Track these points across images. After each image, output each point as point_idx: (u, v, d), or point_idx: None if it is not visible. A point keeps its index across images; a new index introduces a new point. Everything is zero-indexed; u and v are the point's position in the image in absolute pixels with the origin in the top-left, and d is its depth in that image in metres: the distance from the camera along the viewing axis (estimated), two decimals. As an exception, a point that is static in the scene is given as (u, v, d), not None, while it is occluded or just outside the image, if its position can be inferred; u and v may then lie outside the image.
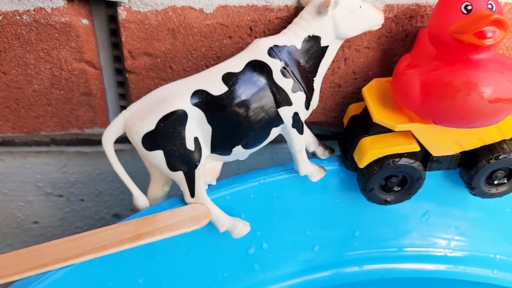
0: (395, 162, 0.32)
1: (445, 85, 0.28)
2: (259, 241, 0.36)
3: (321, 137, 0.40)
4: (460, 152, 0.34)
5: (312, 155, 0.36)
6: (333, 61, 0.35)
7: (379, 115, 0.32)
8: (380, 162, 0.32)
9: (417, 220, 0.38)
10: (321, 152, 0.36)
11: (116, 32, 0.34)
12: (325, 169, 0.34)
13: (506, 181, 0.34)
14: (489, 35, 0.27)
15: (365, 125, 0.34)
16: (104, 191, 0.45)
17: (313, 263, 0.38)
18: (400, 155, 0.32)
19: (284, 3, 0.33)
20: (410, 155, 0.33)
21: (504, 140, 0.33)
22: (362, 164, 0.33)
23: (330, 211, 0.37)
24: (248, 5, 0.33)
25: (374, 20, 0.31)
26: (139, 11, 0.32)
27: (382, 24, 0.33)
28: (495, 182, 0.35)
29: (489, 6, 0.27)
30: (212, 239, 0.34)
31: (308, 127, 0.39)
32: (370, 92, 0.34)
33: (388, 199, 0.35)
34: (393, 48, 0.35)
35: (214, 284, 0.36)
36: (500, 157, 0.32)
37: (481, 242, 0.39)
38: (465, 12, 0.27)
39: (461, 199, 0.37)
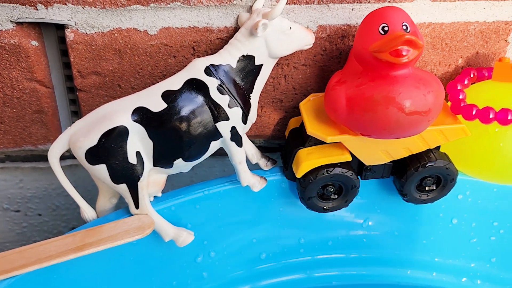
0: (329, 172, 0.34)
1: (367, 100, 0.30)
2: (206, 250, 0.38)
3: (268, 149, 0.43)
4: (392, 161, 0.36)
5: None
6: (273, 78, 0.38)
7: (312, 128, 0.34)
8: (315, 172, 0.35)
9: (359, 226, 0.40)
10: (263, 163, 0.38)
11: (67, 52, 0.36)
12: (266, 180, 0.36)
13: (435, 188, 0.37)
14: (404, 53, 0.29)
15: (302, 138, 0.36)
16: (61, 205, 0.46)
17: (261, 270, 0.40)
18: (334, 165, 0.35)
19: (223, 25, 0.35)
20: (343, 165, 0.35)
21: (430, 150, 0.35)
22: (299, 174, 0.35)
23: (274, 219, 0.39)
24: (189, 26, 0.35)
25: (304, 40, 0.33)
26: (86, 33, 0.34)
27: (316, 43, 0.36)
28: (426, 188, 0.37)
29: (404, 27, 0.30)
30: (160, 248, 0.36)
31: (255, 140, 0.42)
32: (307, 106, 0.36)
33: (326, 207, 0.37)
34: (328, 65, 0.38)
35: (163, 292, 0.38)
36: (427, 165, 0.35)
37: (421, 245, 0.41)
38: (382, 32, 0.30)
39: (399, 206, 0.40)
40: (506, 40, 0.38)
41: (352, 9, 0.35)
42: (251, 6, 0.34)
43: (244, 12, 0.34)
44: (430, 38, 0.37)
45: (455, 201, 0.38)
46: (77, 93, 0.37)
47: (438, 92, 0.31)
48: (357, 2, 0.35)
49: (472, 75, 0.38)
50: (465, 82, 0.37)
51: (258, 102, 0.39)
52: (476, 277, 0.41)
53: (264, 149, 0.43)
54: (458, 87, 0.36)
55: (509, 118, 0.33)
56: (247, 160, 0.36)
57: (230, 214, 0.37)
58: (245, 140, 0.37)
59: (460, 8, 0.36)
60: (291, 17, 0.35)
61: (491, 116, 0.33)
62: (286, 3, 0.34)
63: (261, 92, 0.38)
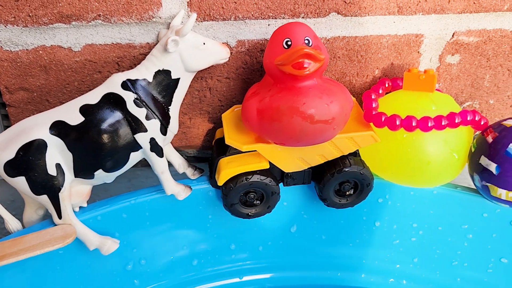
0: (248, 179, 0.36)
1: (274, 110, 0.32)
2: (136, 258, 0.39)
3: (200, 160, 0.44)
4: (311, 168, 0.38)
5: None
6: (199, 91, 0.39)
7: (230, 138, 0.35)
8: (235, 179, 0.36)
9: (288, 231, 0.42)
10: (190, 173, 0.39)
11: (-4, 69, 0.37)
12: (191, 188, 0.38)
13: (353, 193, 0.39)
14: (305, 66, 0.31)
15: (224, 147, 0.38)
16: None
17: (194, 276, 0.41)
18: (253, 173, 0.36)
19: (145, 41, 0.36)
20: (262, 172, 0.36)
21: (346, 156, 0.37)
22: (219, 182, 0.36)
23: (204, 226, 0.40)
24: (112, 43, 0.36)
25: (219, 54, 0.35)
26: (11, 51, 0.35)
27: (237, 57, 0.37)
28: (347, 193, 0.39)
29: (306, 41, 0.32)
30: (89, 257, 0.37)
31: (187, 151, 0.43)
32: (229, 117, 0.38)
33: (250, 213, 0.38)
34: (251, 77, 0.39)
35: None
36: (342, 171, 0.37)
37: (348, 248, 0.43)
38: (286, 47, 0.32)
39: (324, 211, 0.41)
40: (418, 52, 0.40)
41: (269, 25, 0.37)
42: (170, 23, 0.36)
43: (164, 29, 0.36)
44: (346, 51, 0.39)
45: (376, 205, 0.40)
46: (7, 109, 0.38)
47: (343, 102, 0.33)
48: (273, 18, 0.37)
49: (387, 85, 0.40)
50: (380, 92, 0.40)
51: (186, 114, 0.40)
52: (401, 277, 0.43)
53: (196, 159, 0.44)
54: (372, 97, 0.38)
55: (413, 124, 0.35)
56: (174, 170, 0.38)
57: (159, 222, 0.38)
58: (171, 151, 0.38)
59: (371, 22, 0.38)
60: (210, 33, 0.37)
61: (397, 123, 0.35)
62: (205, 20, 0.36)
63: (189, 104, 0.40)
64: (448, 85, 0.43)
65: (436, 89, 0.41)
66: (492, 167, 0.34)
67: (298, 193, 0.40)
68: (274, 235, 0.42)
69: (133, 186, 0.46)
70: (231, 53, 0.38)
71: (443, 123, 0.35)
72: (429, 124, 0.35)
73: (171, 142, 0.39)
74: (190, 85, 0.39)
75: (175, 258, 0.40)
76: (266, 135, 0.34)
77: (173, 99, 0.35)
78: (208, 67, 0.38)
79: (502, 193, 0.34)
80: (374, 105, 0.37)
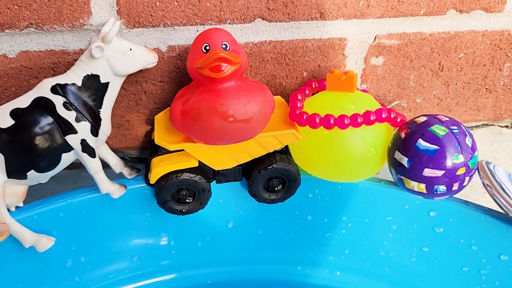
0: (178, 177, 0.38)
1: (195, 111, 0.34)
2: (75, 255, 0.40)
3: (141, 160, 0.46)
4: (241, 166, 0.40)
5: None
6: (134, 94, 0.41)
7: (159, 138, 0.37)
8: (166, 177, 0.38)
9: (225, 227, 0.44)
10: (127, 172, 0.41)
11: None
12: (126, 187, 0.39)
13: (281, 188, 0.41)
14: (222, 68, 0.33)
15: (157, 147, 0.39)
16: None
17: (134, 272, 0.43)
18: (183, 171, 0.38)
19: (78, 47, 0.38)
20: (192, 170, 0.38)
21: (273, 153, 0.40)
22: (151, 180, 0.38)
23: (142, 224, 0.42)
24: (47, 50, 0.38)
25: (146, 59, 0.37)
26: None
27: (169, 62, 0.39)
28: (276, 189, 0.41)
29: (224, 46, 0.34)
30: (27, 255, 0.38)
31: (130, 152, 0.45)
32: (161, 119, 0.40)
33: (183, 210, 0.40)
34: (184, 81, 0.41)
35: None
36: (268, 168, 0.39)
37: (283, 242, 0.45)
38: (205, 51, 0.34)
39: (258, 207, 0.43)
40: (343, 54, 0.43)
41: (197, 31, 0.39)
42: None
43: (96, 36, 0.38)
44: (274, 55, 0.41)
45: (307, 200, 0.43)
46: None
47: (261, 102, 0.35)
48: (200, 24, 0.39)
49: (314, 86, 0.42)
50: (306, 92, 0.42)
51: (124, 116, 0.42)
52: (335, 269, 0.45)
53: (138, 160, 0.46)
54: (299, 97, 0.40)
55: (331, 122, 0.37)
56: (111, 171, 0.40)
57: (97, 221, 0.40)
58: (107, 152, 0.40)
59: (296, 27, 0.40)
60: (141, 39, 0.39)
61: (317, 121, 0.37)
62: (136, 27, 0.38)
63: (126, 107, 0.42)
64: (375, 85, 0.45)
65: (364, 90, 0.44)
66: (404, 161, 0.37)
67: (233, 190, 0.42)
68: (212, 231, 0.44)
69: (78, 187, 0.47)
70: (162, 58, 0.39)
71: (359, 121, 0.37)
72: (346, 122, 0.37)
73: (108, 144, 0.41)
74: (126, 89, 0.41)
75: (115, 255, 0.42)
76: (191, 134, 0.36)
77: (104, 102, 0.36)
78: (142, 72, 0.40)
79: (414, 185, 0.37)
80: (299, 105, 0.39)
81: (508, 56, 0.46)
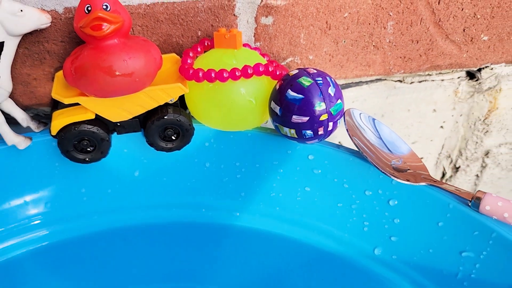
0: (76, 128, 0.42)
1: (81, 67, 0.38)
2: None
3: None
4: (138, 117, 0.44)
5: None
6: (38, 54, 0.44)
7: (56, 93, 0.41)
8: (65, 129, 0.42)
9: (132, 176, 0.48)
10: (34, 126, 0.44)
11: None
12: (31, 139, 0.43)
13: (176, 138, 0.45)
14: (103, 28, 0.37)
15: (57, 102, 0.43)
16: None
17: (48, 218, 0.47)
18: (81, 123, 0.42)
19: (-23, 9, 0.41)
20: (90, 122, 0.42)
21: (165, 105, 0.44)
22: (52, 132, 0.42)
23: (52, 173, 0.46)
24: None
25: (38, 20, 0.40)
26: None
27: (68, 23, 0.42)
28: (172, 138, 0.45)
29: (104, 7, 0.37)
30: None
31: (42, 109, 0.48)
32: (60, 75, 0.43)
33: (86, 158, 0.44)
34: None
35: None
36: (161, 118, 0.43)
37: (187, 188, 0.49)
38: (87, 12, 0.37)
39: (160, 156, 0.47)
40: (234, 15, 0.46)
41: (91, -7, 0.42)
42: (-4, -7, 0.40)
43: (-9, -2, 0.40)
44: (167, 15, 0.45)
45: (204, 148, 0.47)
46: None
47: (145, 58, 0.39)
48: (93, -13, 0.42)
49: (206, 44, 0.46)
50: (199, 50, 0.46)
51: (31, 75, 0.45)
52: (235, 210, 0.50)
53: (49, 116, 0.49)
54: (190, 54, 0.44)
55: (212, 76, 0.41)
56: (18, 125, 0.43)
57: (7, 172, 0.44)
58: (13, 107, 0.43)
59: (185, -11, 0.44)
60: (38, 1, 0.41)
61: (200, 75, 0.41)
62: (31, -10, 0.41)
63: (31, 66, 0.45)
64: (268, 43, 0.49)
65: (256, 48, 0.48)
66: (277, 109, 0.41)
67: (135, 141, 0.46)
68: (120, 180, 0.48)
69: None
70: (60, 19, 0.42)
71: (237, 74, 0.41)
72: (224, 75, 0.41)
73: (19, 101, 0.45)
74: (29, 49, 0.44)
75: (26, 203, 0.46)
76: (81, 88, 0.39)
77: (0, 61, 0.40)
78: (43, 32, 0.43)
79: (287, 131, 0.42)
80: (189, 61, 0.43)
81: (390, 15, 0.50)
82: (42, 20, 0.40)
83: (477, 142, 0.67)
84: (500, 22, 0.54)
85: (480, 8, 0.53)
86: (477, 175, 0.72)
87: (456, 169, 0.71)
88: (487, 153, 0.69)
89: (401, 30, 0.52)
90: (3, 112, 0.42)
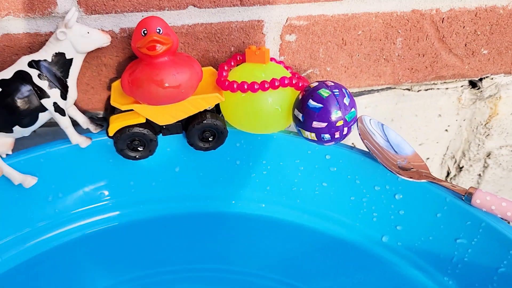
0: (130, 130, 0.49)
1: (138, 80, 0.45)
2: (54, 192, 0.52)
3: (106, 119, 0.57)
4: (180, 121, 0.51)
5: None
6: (96, 66, 0.52)
7: (114, 100, 0.49)
8: (121, 131, 0.49)
9: (173, 171, 0.56)
10: (93, 128, 0.52)
11: None
12: (91, 139, 0.51)
13: (212, 139, 0.52)
14: (156, 48, 0.44)
15: (114, 108, 0.51)
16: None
17: (104, 205, 0.55)
18: (134, 126, 0.49)
19: (49, 30, 0.49)
20: (141, 125, 0.50)
21: (205, 111, 0.51)
22: (110, 133, 0.50)
23: (106, 168, 0.54)
24: (24, 32, 0.48)
25: (101, 40, 0.47)
26: None
27: (122, 41, 0.50)
28: (209, 139, 0.53)
29: (157, 30, 0.45)
30: (17, 191, 0.50)
31: (96, 112, 0.56)
32: (116, 85, 0.51)
33: (137, 156, 0.52)
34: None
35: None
36: (201, 123, 0.50)
37: (219, 182, 0.57)
38: (143, 34, 0.45)
39: (199, 154, 0.55)
40: (262, 33, 0.53)
41: (142, 16, 0.49)
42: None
43: (61, 22, 0.48)
44: (205, 34, 0.52)
45: (235, 148, 0.54)
46: (-51, 84, 0.50)
47: (190, 73, 0.46)
48: (144, 11, 0.49)
49: (238, 59, 0.53)
50: (232, 64, 0.53)
51: (89, 84, 0.53)
52: (261, 202, 0.57)
53: (104, 119, 0.57)
54: (225, 68, 0.52)
55: (245, 87, 0.48)
56: (79, 126, 0.51)
57: (71, 165, 0.52)
58: (75, 112, 0.51)
59: (222, 12, 0.51)
60: (98, 24, 0.49)
61: (235, 86, 0.49)
62: (93, 14, 0.48)
63: (90, 77, 0.53)
64: (291, 57, 0.56)
65: (280, 61, 0.55)
66: (300, 116, 0.48)
67: (178, 141, 0.54)
68: (163, 174, 0.56)
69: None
70: (116, 38, 0.50)
71: (266, 86, 0.48)
72: (255, 87, 0.48)
73: (78, 106, 0.52)
74: (89, 63, 0.52)
75: (86, 192, 0.53)
76: (136, 97, 0.47)
77: (70, 74, 0.47)
78: (101, 49, 0.51)
79: (308, 134, 0.49)
80: (224, 74, 0.51)
81: (399, 32, 0.57)
82: (104, 40, 0.48)
83: (479, 144, 0.73)
84: (498, 38, 0.61)
85: (480, 26, 0.59)
86: (479, 175, 0.78)
87: (460, 169, 0.77)
88: (488, 155, 0.75)
89: (409, 45, 0.59)
90: (67, 116, 0.51)
